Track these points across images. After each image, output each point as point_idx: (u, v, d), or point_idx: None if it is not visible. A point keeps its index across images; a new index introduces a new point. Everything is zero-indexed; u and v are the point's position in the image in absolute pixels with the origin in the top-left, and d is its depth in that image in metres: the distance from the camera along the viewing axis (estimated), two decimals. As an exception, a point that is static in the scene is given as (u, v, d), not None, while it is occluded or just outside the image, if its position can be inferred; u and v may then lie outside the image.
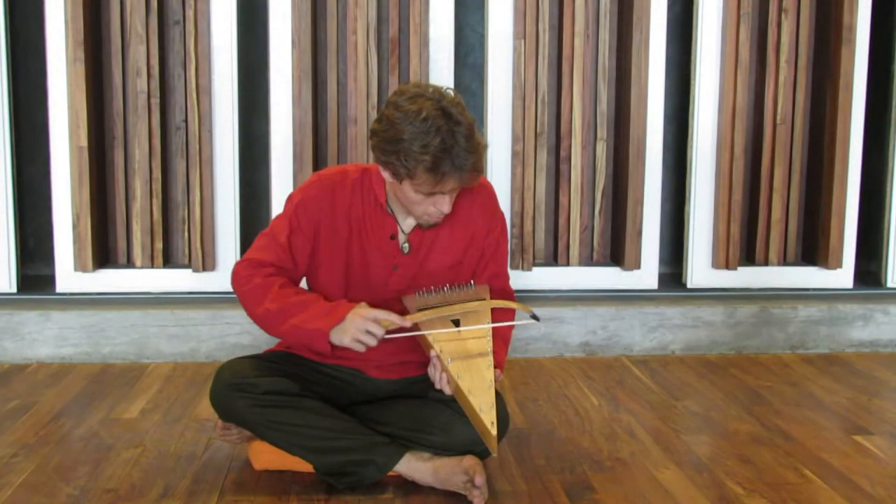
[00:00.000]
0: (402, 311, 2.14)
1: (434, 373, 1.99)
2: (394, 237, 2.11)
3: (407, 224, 2.12)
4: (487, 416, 1.91)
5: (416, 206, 2.00)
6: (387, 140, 1.92)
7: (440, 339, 2.03)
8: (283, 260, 2.10)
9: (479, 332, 2.04)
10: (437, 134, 1.86)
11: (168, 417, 2.57)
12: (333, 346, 2.01)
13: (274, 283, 2.07)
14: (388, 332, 2.00)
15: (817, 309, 3.36)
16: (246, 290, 2.09)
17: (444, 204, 1.98)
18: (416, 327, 2.03)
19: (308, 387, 2.11)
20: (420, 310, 2.09)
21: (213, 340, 3.16)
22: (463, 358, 1.98)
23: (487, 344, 2.02)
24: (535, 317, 2.07)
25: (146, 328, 3.14)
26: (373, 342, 1.98)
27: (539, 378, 2.98)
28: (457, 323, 2.07)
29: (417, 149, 1.87)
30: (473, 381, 1.95)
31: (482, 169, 1.98)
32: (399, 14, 3.34)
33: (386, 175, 1.99)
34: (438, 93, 1.93)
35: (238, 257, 3.34)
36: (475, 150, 1.91)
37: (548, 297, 3.41)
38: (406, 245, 2.12)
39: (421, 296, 2.13)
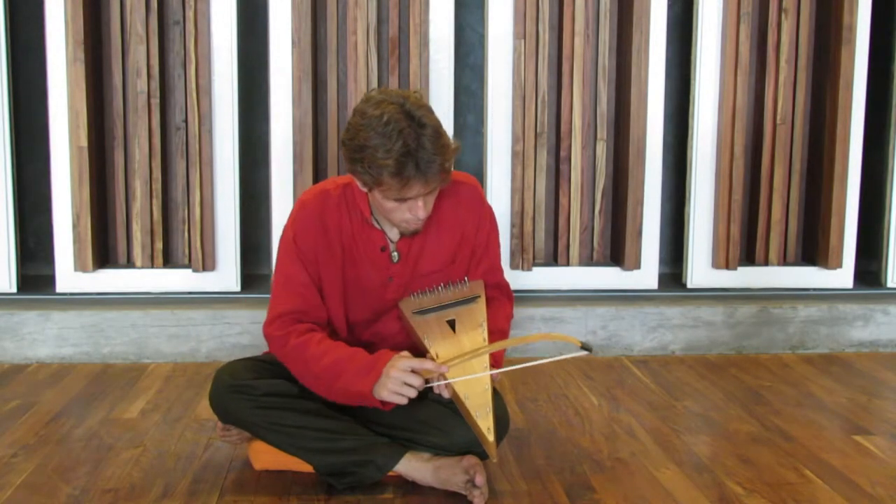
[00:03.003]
0: (400, 316, 2.14)
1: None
2: (384, 249, 2.10)
3: (394, 233, 2.10)
4: (484, 422, 1.91)
5: (393, 214, 1.97)
6: (353, 148, 1.89)
7: (436, 341, 2.03)
8: (308, 299, 2.06)
9: (475, 335, 2.04)
10: (399, 137, 1.83)
11: (168, 417, 2.57)
12: (385, 402, 1.96)
13: (310, 341, 2.01)
14: (428, 382, 1.94)
15: (817, 309, 3.36)
16: (286, 353, 2.04)
17: (418, 209, 1.94)
18: (442, 375, 1.96)
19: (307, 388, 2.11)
20: (416, 313, 2.09)
21: (213, 340, 3.16)
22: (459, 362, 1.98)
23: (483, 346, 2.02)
24: (587, 347, 1.93)
25: (146, 328, 3.14)
26: (413, 393, 1.93)
27: (539, 378, 2.98)
28: (452, 324, 2.07)
29: (381, 154, 1.84)
30: (470, 386, 1.94)
31: (450, 171, 1.94)
32: (399, 14, 3.34)
33: (359, 184, 1.98)
34: (402, 96, 1.90)
35: (238, 257, 3.35)
36: (441, 153, 1.87)
37: (548, 297, 3.41)
38: (395, 254, 2.11)
39: (415, 297, 2.13)
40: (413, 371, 1.92)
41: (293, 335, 2.02)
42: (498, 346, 2.03)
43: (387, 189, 1.89)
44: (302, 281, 2.06)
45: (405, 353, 1.97)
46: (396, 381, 1.92)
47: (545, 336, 2.06)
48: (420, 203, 1.93)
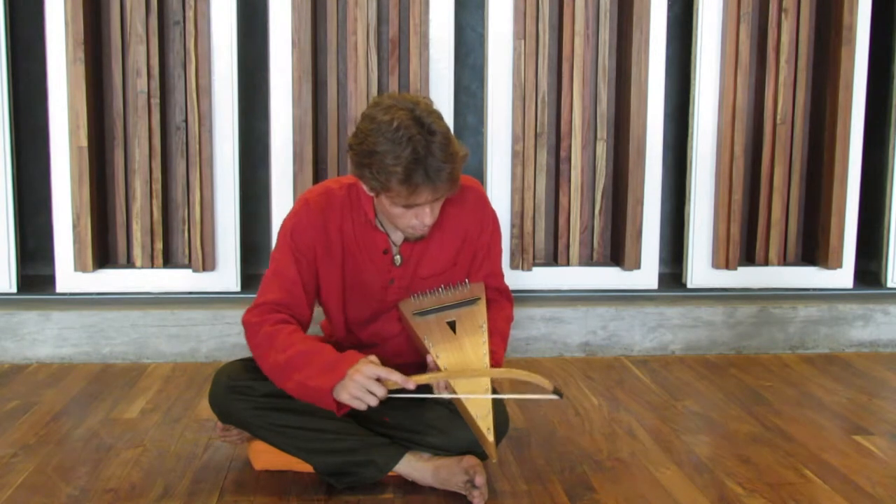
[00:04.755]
0: (400, 318, 2.14)
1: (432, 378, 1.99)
2: (387, 252, 2.10)
3: (398, 237, 2.10)
4: (484, 423, 1.91)
5: (399, 220, 1.97)
6: (361, 153, 1.88)
7: (437, 343, 2.03)
8: (294, 294, 2.04)
9: (476, 336, 2.04)
10: (408, 143, 1.82)
11: (168, 417, 2.57)
12: (340, 404, 1.92)
13: (281, 332, 1.98)
14: (392, 392, 1.89)
15: (817, 309, 3.36)
16: (256, 341, 2.01)
17: (425, 216, 1.94)
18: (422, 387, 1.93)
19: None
20: (417, 314, 2.09)
21: (213, 340, 3.16)
22: (459, 364, 1.98)
23: (483, 348, 2.02)
24: (558, 392, 1.95)
25: (146, 328, 3.14)
26: (373, 402, 1.86)
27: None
28: (452, 325, 2.07)
29: (390, 161, 1.82)
30: (469, 388, 1.94)
31: (458, 178, 1.93)
32: (399, 14, 3.34)
33: (365, 188, 1.97)
34: (412, 102, 1.88)
35: (238, 257, 3.35)
36: (450, 161, 1.86)
37: (548, 297, 3.41)
38: (398, 258, 2.11)
39: (416, 299, 2.13)
40: (378, 380, 1.88)
41: (267, 324, 2.00)
42: (496, 372, 1.99)
43: (395, 195, 1.88)
44: (290, 276, 2.04)
45: (373, 357, 1.93)
46: (359, 387, 1.86)
47: (523, 374, 1.99)
48: (427, 210, 1.93)
